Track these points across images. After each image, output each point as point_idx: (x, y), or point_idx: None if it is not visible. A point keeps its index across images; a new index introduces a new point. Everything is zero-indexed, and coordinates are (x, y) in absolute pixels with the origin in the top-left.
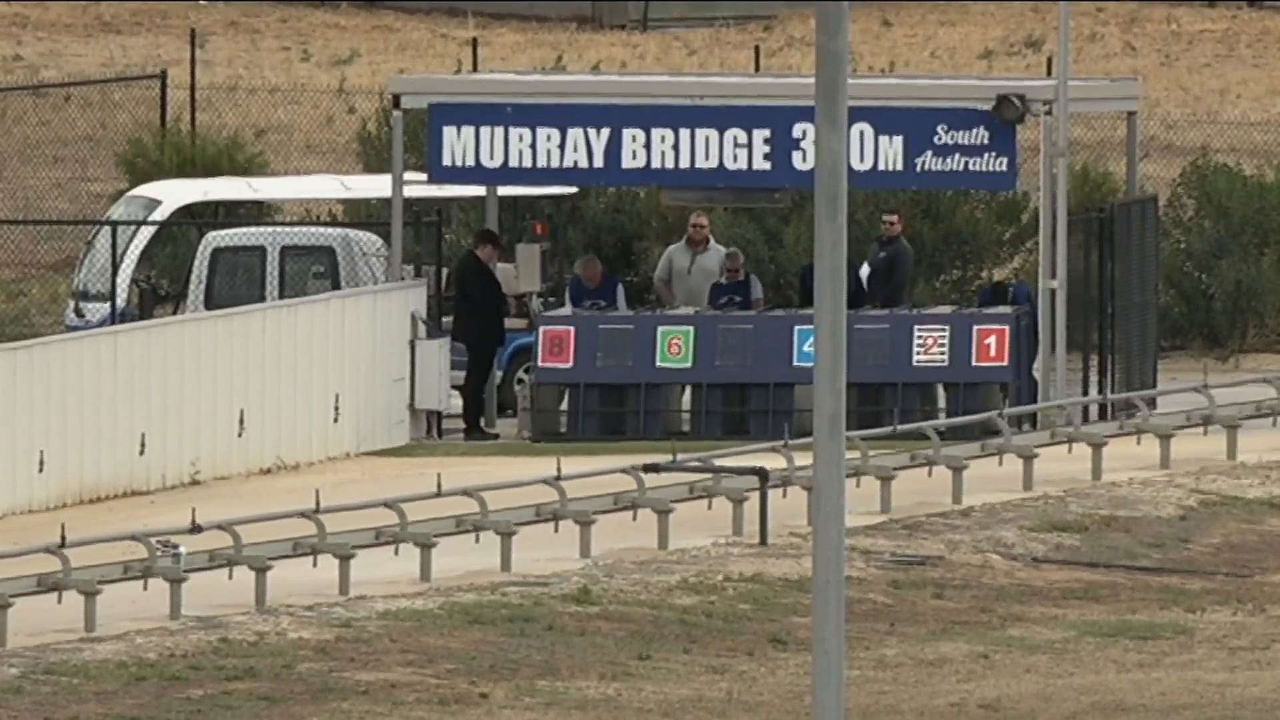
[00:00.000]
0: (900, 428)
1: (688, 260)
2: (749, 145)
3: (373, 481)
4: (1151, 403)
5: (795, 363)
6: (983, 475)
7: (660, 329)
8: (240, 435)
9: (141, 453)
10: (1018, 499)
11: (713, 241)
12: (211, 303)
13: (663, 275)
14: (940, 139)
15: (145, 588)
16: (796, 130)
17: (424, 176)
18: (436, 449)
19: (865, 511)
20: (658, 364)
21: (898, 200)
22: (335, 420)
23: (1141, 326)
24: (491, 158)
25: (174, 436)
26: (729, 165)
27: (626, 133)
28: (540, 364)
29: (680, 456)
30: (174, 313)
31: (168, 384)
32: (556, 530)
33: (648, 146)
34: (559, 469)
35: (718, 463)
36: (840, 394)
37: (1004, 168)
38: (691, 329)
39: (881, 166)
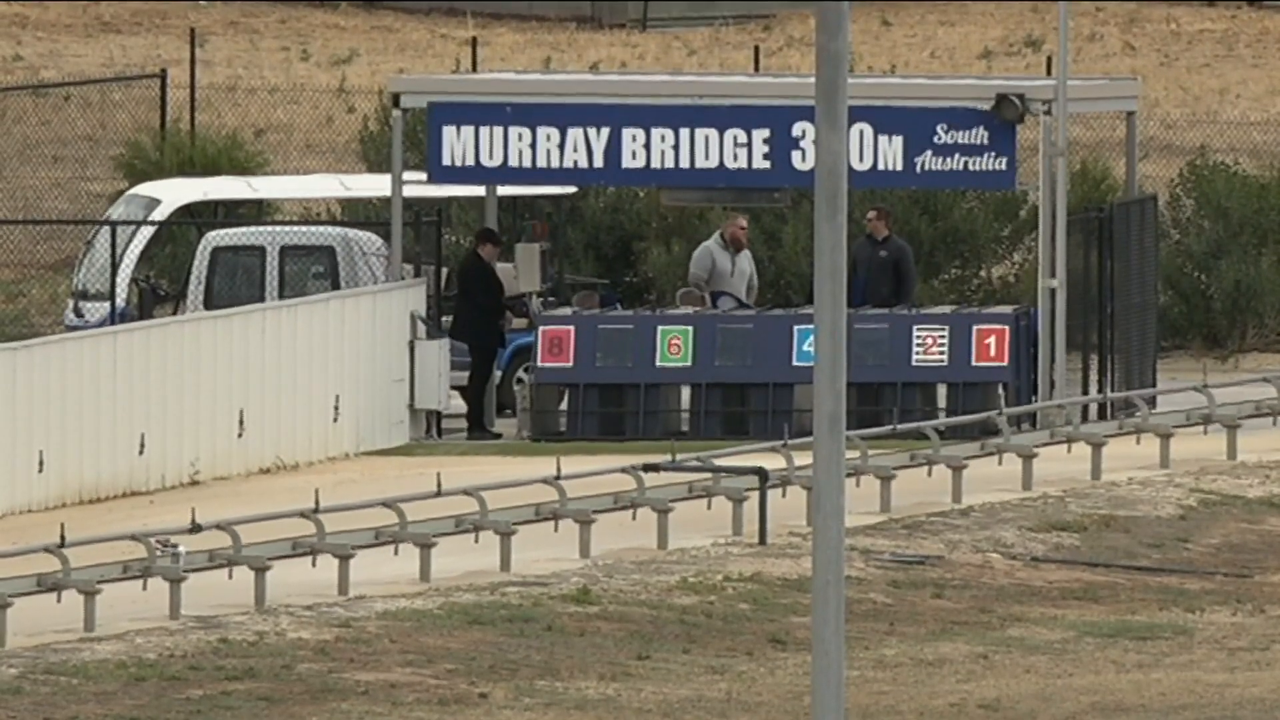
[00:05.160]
0: (900, 427)
1: (729, 262)
2: (749, 145)
3: (373, 481)
4: (1151, 402)
5: (795, 363)
6: (982, 475)
7: (660, 329)
8: (240, 435)
9: (141, 453)
10: (1017, 499)
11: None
12: (211, 303)
13: (703, 274)
14: (940, 139)
15: (145, 588)
16: (796, 130)
17: (424, 176)
18: (436, 449)
19: (865, 511)
20: (657, 364)
21: (877, 196)
22: (335, 420)
23: (1141, 326)
24: (491, 157)
25: (174, 436)
26: (729, 165)
27: (626, 132)
28: (540, 364)
29: (680, 456)
30: (174, 313)
31: (168, 384)
32: (556, 530)
33: (648, 146)
34: (559, 469)
35: (717, 462)
36: (840, 394)
37: (1003, 167)
38: (691, 329)
39: (881, 166)
